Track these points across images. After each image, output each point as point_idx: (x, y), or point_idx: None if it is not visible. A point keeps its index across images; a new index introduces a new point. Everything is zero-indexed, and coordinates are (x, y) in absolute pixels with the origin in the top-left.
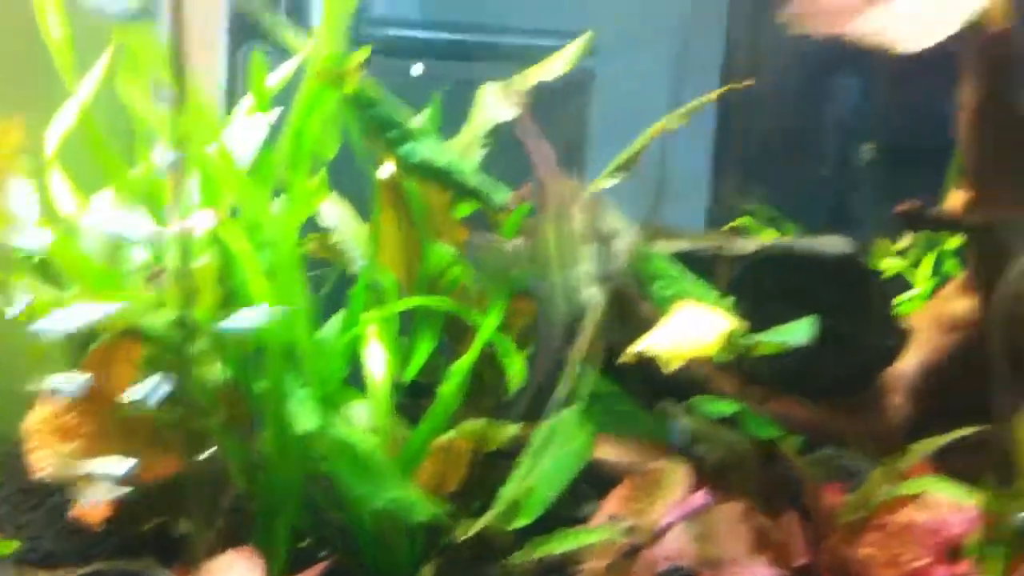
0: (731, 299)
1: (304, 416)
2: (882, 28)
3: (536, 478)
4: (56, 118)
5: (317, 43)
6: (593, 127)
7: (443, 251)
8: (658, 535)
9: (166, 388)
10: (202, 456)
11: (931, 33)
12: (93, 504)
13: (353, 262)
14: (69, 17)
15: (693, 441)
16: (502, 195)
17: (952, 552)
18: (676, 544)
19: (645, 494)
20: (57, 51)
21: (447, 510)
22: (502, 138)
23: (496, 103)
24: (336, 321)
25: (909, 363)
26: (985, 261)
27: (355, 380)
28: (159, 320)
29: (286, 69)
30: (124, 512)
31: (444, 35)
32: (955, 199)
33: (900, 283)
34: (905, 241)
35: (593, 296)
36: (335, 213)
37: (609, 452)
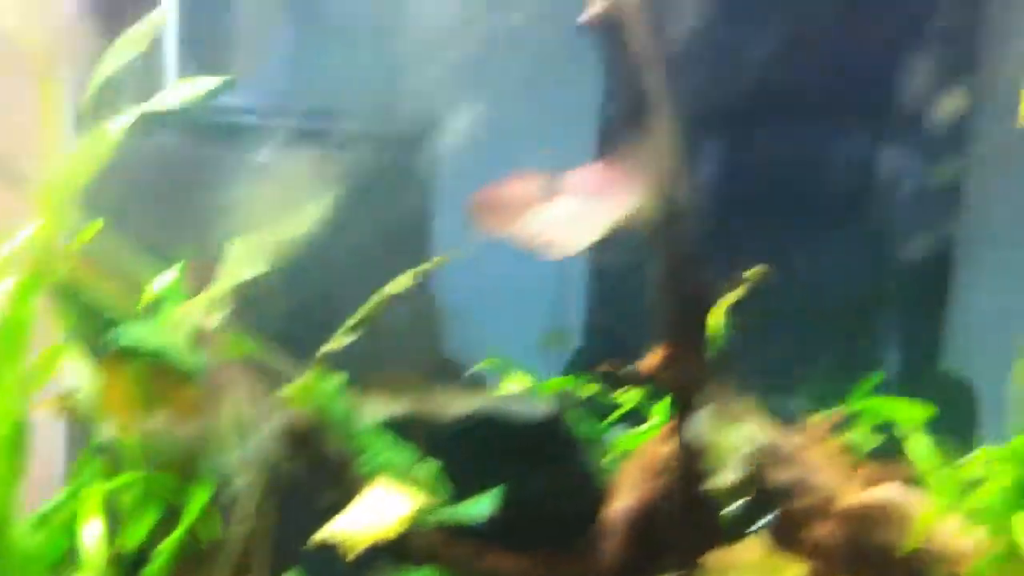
0: (435, 465)
1: None
2: (542, 230)
3: None
4: None
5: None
6: (438, 188)
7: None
8: None
9: None
10: None
11: (581, 238)
12: None
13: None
14: None
15: None
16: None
17: None
18: None
19: None
20: None
21: None
22: None
23: (244, 257)
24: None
25: (620, 508)
26: (680, 414)
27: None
28: None
29: None
30: None
31: (292, 122)
32: (652, 357)
33: (636, 417)
34: None
35: (246, 483)
36: (78, 373)
37: None
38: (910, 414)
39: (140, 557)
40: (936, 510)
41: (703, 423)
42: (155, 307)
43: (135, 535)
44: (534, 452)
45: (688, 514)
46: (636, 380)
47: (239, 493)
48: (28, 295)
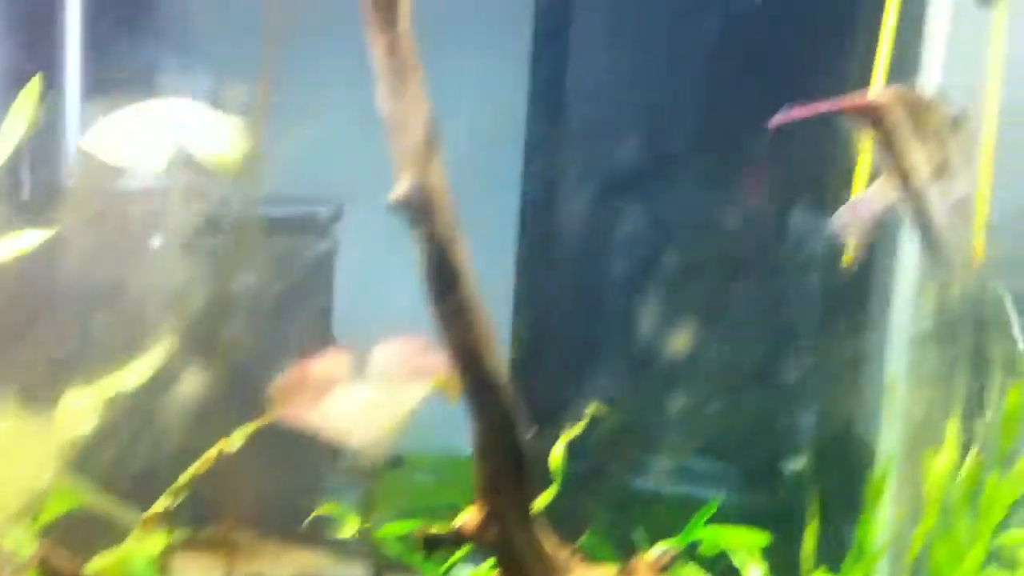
0: None
1: None
2: (340, 417)
3: None
4: None
5: None
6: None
7: None
8: None
9: None
10: None
11: (379, 427)
12: None
13: None
14: None
15: None
16: None
17: None
18: None
19: None
20: None
21: None
22: None
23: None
24: None
25: None
26: (507, 572)
27: None
28: None
29: None
30: None
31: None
32: (473, 516)
33: None
34: None
35: None
36: None
37: None
38: (748, 541)
39: None
40: None
41: None
42: None
43: None
44: None
45: None
46: (456, 541)
47: None
48: None
